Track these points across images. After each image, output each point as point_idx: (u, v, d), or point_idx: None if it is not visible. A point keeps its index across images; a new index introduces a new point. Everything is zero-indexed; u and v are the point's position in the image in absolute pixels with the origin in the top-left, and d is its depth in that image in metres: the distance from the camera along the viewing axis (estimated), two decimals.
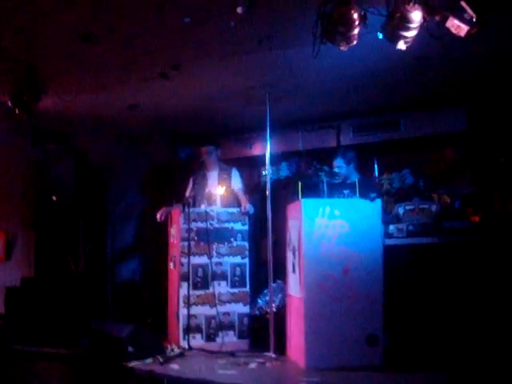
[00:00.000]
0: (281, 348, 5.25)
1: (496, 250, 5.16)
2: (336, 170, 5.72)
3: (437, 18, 3.82)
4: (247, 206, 5.81)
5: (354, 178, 5.69)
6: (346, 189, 5.60)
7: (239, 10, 4.03)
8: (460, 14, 3.75)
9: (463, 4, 3.72)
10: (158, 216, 5.98)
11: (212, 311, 5.60)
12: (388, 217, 5.76)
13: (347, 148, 6.21)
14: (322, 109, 6.75)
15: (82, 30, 4.45)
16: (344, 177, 5.71)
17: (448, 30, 3.80)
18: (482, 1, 3.72)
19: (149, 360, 5.00)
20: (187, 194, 5.91)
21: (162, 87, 5.79)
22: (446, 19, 3.77)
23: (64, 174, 6.80)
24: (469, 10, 3.73)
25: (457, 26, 3.77)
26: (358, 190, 5.40)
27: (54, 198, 6.66)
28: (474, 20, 3.75)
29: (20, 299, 6.11)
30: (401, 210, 5.87)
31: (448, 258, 5.28)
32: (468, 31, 3.78)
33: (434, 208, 5.86)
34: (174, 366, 4.86)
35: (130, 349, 5.02)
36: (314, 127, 7.18)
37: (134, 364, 4.87)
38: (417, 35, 3.92)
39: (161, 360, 4.98)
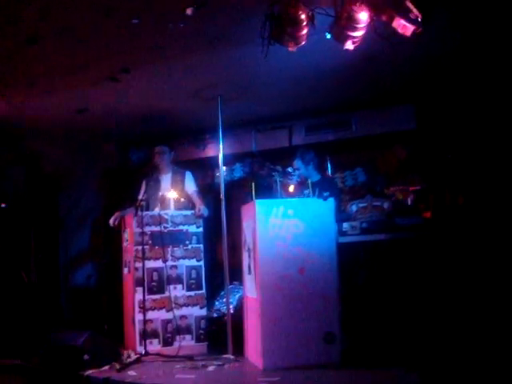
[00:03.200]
0: (239, 350, 5.25)
1: (446, 245, 5.27)
2: (295, 171, 5.74)
3: (383, 18, 3.88)
4: (201, 209, 5.78)
5: (315, 177, 5.72)
6: (306, 189, 5.64)
7: (189, 11, 4.01)
8: (406, 14, 3.82)
9: (408, 4, 3.80)
10: (111, 221, 5.91)
11: (168, 315, 5.56)
12: (342, 215, 5.81)
13: (305, 148, 6.23)
14: (274, 109, 6.78)
15: (28, 32, 4.34)
16: (304, 177, 5.72)
17: (394, 29, 3.86)
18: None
19: (106, 367, 4.93)
20: (140, 197, 5.85)
21: (111, 90, 5.72)
22: (392, 19, 3.83)
23: (14, 179, 6.64)
24: (414, 10, 3.80)
25: (403, 26, 3.84)
26: (310, 188, 5.43)
27: (3, 204, 6.50)
28: (420, 19, 3.83)
29: None
30: (354, 208, 5.93)
31: (401, 254, 5.37)
32: (414, 30, 3.86)
33: (386, 205, 5.94)
34: (131, 373, 4.80)
35: (86, 357, 4.95)
36: (267, 128, 7.20)
37: (90, 372, 4.80)
38: (364, 35, 3.98)
39: (117, 367, 4.92)
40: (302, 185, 5.72)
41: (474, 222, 5.45)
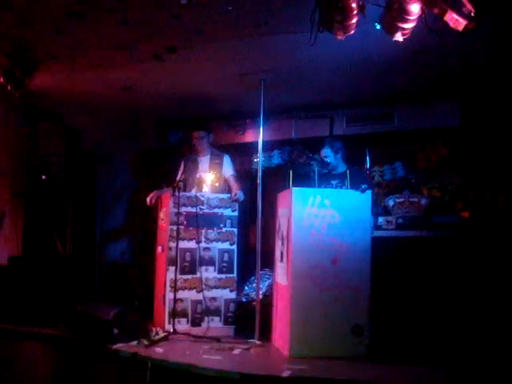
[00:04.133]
0: (266, 335, 5.27)
1: (483, 245, 5.20)
2: (324, 159, 5.69)
3: (435, 11, 3.80)
4: (238, 193, 5.79)
5: (342, 168, 5.67)
6: (334, 179, 5.60)
7: None
8: (459, 8, 3.73)
9: None
10: (148, 200, 5.96)
11: (198, 296, 5.60)
12: (378, 208, 5.77)
13: (335, 138, 6.19)
14: (317, 98, 6.74)
15: (75, 7, 4.39)
16: (332, 167, 5.68)
17: (446, 23, 3.79)
18: None
19: (134, 342, 5.00)
20: (178, 177, 5.89)
21: (156, 69, 5.75)
22: (444, 13, 3.76)
23: (55, 152, 6.74)
24: (468, 5, 3.72)
25: (455, 20, 3.76)
26: (348, 180, 5.40)
27: (44, 176, 6.61)
28: (473, 15, 3.75)
29: (7, 278, 6.08)
30: (391, 203, 5.89)
31: (436, 251, 5.31)
32: (466, 26, 3.77)
33: (423, 201, 5.89)
34: (159, 350, 4.86)
35: (116, 331, 5.02)
36: (308, 116, 7.16)
37: (118, 346, 4.87)
38: (414, 28, 3.91)
39: (145, 343, 4.98)
40: (329, 175, 5.68)
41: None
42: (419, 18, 3.84)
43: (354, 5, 3.80)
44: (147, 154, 8.10)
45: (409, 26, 3.86)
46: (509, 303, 4.85)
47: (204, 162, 6.13)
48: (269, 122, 6.26)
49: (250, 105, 6.08)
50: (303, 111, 7.16)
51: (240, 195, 5.80)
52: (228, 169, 6.12)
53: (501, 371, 4.08)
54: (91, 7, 4.38)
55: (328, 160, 5.64)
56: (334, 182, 5.58)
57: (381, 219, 5.56)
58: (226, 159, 6.16)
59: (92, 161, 7.62)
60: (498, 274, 5.03)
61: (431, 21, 3.87)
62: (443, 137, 6.62)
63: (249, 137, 7.39)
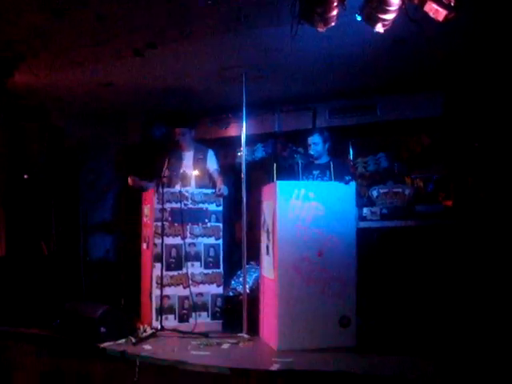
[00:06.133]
0: (254, 329, 5.27)
1: (466, 234, 5.24)
2: (312, 146, 5.69)
3: (415, 2, 3.81)
4: (222, 188, 5.78)
5: (325, 159, 5.69)
6: (316, 169, 5.61)
7: None
8: None
9: None
10: (130, 180, 5.85)
11: (185, 292, 5.59)
12: (362, 200, 5.79)
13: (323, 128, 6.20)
14: (299, 90, 6.74)
15: (55, 5, 4.35)
16: (316, 157, 5.68)
17: (426, 13, 3.80)
18: None
19: (121, 340, 4.98)
20: (162, 173, 5.84)
21: (136, 65, 5.72)
22: (424, 3, 3.77)
23: (37, 151, 6.68)
24: None
25: (435, 10, 3.77)
26: (332, 172, 5.41)
27: (26, 176, 6.55)
28: (452, 4, 3.76)
29: None
30: (375, 193, 5.91)
31: (420, 241, 5.35)
32: (446, 16, 3.79)
33: (407, 192, 5.92)
34: (147, 347, 4.84)
35: (103, 329, 5.00)
36: (290, 109, 7.16)
37: (106, 344, 4.85)
38: (395, 18, 3.92)
39: (133, 340, 4.97)
40: (310, 166, 5.69)
41: (495, 212, 5.40)
42: (399, 9, 3.84)
43: None
44: (131, 150, 8.05)
45: (389, 16, 3.87)
46: (493, 292, 4.90)
47: (188, 157, 6.10)
48: (252, 116, 6.23)
49: (232, 99, 6.06)
50: (286, 104, 7.16)
51: (224, 190, 5.78)
52: (212, 164, 6.10)
53: (487, 361, 4.11)
54: (68, 3, 4.34)
55: (317, 147, 5.65)
56: (315, 173, 5.60)
57: (365, 210, 5.58)
58: (210, 154, 6.14)
59: (76, 158, 7.56)
60: (482, 262, 5.07)
61: (411, 11, 3.88)
62: (426, 127, 6.66)
63: (232, 131, 7.38)
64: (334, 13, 3.87)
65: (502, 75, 5.79)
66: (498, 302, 4.86)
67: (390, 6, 3.79)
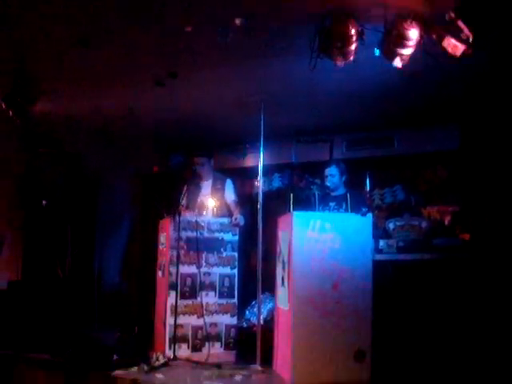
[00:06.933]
0: (267, 361, 5.21)
1: (484, 268, 5.18)
2: (328, 178, 5.69)
3: (433, 37, 3.85)
4: (238, 217, 5.79)
5: (342, 190, 5.69)
6: (332, 201, 5.61)
7: (237, 21, 4.04)
8: (457, 34, 3.77)
9: (460, 24, 3.74)
10: None
11: (199, 321, 5.56)
12: (378, 232, 5.76)
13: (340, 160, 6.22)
14: (317, 122, 6.77)
15: (79, 35, 4.43)
16: (332, 189, 5.68)
17: (444, 48, 3.83)
18: (479, 22, 3.74)
19: (134, 368, 4.96)
20: (180, 201, 5.86)
21: (157, 94, 5.78)
22: (442, 38, 3.80)
23: (55, 178, 6.77)
24: (466, 30, 3.75)
25: (453, 46, 3.80)
26: (349, 204, 5.40)
27: (44, 202, 6.62)
28: (470, 40, 3.78)
29: (6, 303, 6.05)
30: (391, 226, 5.88)
31: (437, 274, 5.29)
32: (464, 51, 3.81)
33: (423, 224, 5.89)
34: (159, 376, 4.82)
35: (115, 357, 4.99)
36: (308, 140, 7.17)
37: (118, 372, 4.83)
38: (413, 53, 3.95)
39: (146, 369, 4.94)
40: (327, 197, 5.68)
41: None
42: (418, 44, 3.88)
43: (353, 31, 3.85)
44: (148, 178, 8.11)
45: (407, 51, 3.90)
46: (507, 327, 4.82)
47: (206, 186, 6.13)
48: (269, 146, 6.25)
49: (250, 129, 6.09)
50: (303, 135, 7.18)
51: (240, 219, 5.79)
52: (230, 193, 6.12)
53: None
54: (95, 32, 4.42)
55: (333, 179, 5.65)
56: (331, 204, 5.59)
57: (382, 243, 5.54)
58: (228, 184, 6.17)
59: (92, 185, 7.63)
60: (499, 296, 5.00)
61: (429, 46, 3.91)
62: (443, 160, 6.64)
63: (250, 161, 7.41)
64: (353, 47, 3.92)
65: None
66: None
67: (408, 40, 3.83)
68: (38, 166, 6.84)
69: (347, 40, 3.84)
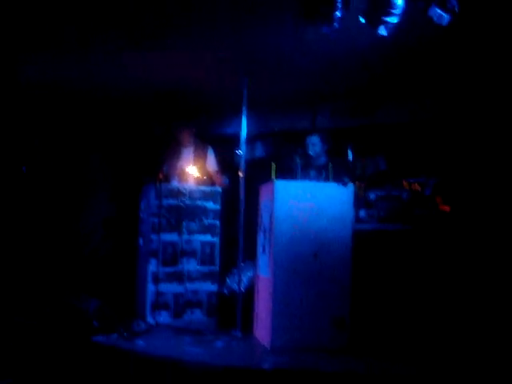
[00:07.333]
0: (248, 327, 5.26)
1: (462, 238, 5.24)
2: (310, 146, 5.70)
3: (420, 6, 3.82)
4: (222, 179, 5.80)
5: (323, 160, 5.69)
6: (313, 170, 5.62)
7: None
8: (443, 3, 3.76)
9: None
10: None
11: (180, 288, 5.58)
12: (360, 202, 5.78)
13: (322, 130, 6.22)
14: (300, 90, 6.72)
15: None
16: (314, 158, 5.69)
17: (430, 18, 3.81)
18: None
19: (114, 335, 4.97)
20: (163, 169, 5.82)
21: (132, 63, 5.69)
22: (428, 7, 3.78)
23: (31, 144, 6.68)
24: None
25: (439, 15, 3.78)
26: (331, 173, 5.40)
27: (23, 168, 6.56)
28: (456, 10, 3.77)
29: None
30: (372, 196, 5.90)
31: (416, 244, 5.34)
32: (449, 20, 3.80)
33: (404, 195, 5.91)
34: (140, 342, 4.85)
35: (95, 323, 4.99)
36: (291, 109, 7.16)
37: (98, 338, 4.84)
38: (398, 23, 3.92)
39: (126, 335, 4.96)
40: (308, 166, 5.69)
41: (491, 216, 5.41)
42: (403, 13, 3.85)
43: None
44: (131, 146, 8.04)
45: (393, 20, 3.87)
46: (487, 296, 4.90)
47: (187, 153, 6.10)
48: (252, 114, 6.21)
49: (233, 97, 6.03)
50: (287, 104, 7.15)
51: (225, 180, 5.80)
52: (212, 163, 6.11)
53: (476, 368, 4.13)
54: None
55: (315, 148, 5.65)
56: (312, 174, 5.60)
57: (363, 212, 5.57)
58: (210, 153, 6.15)
59: (75, 153, 7.56)
60: (476, 266, 5.08)
61: (416, 16, 3.89)
62: (425, 130, 6.66)
63: (232, 129, 7.36)
64: (338, 14, 3.87)
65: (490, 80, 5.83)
66: (495, 305, 4.86)
67: (393, 8, 3.79)
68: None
69: (332, 6, 3.80)
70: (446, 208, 5.90)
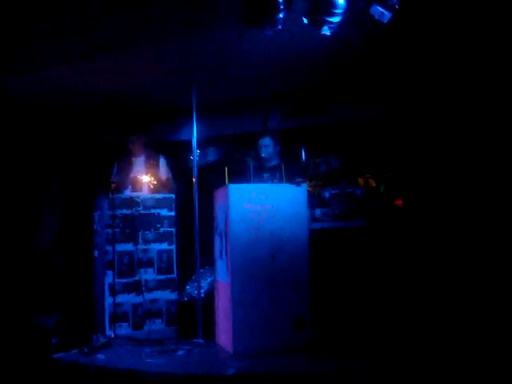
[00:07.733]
0: (209, 334, 5.23)
1: (416, 232, 5.31)
2: (262, 148, 5.72)
3: (361, 5, 3.86)
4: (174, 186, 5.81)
5: (276, 161, 5.71)
6: (266, 172, 5.63)
7: None
8: (384, 1, 3.80)
9: None
10: None
11: (139, 299, 5.51)
12: (314, 201, 5.81)
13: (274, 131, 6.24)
14: (250, 93, 6.73)
15: None
16: (267, 160, 5.70)
17: (371, 16, 3.85)
18: None
19: (74, 351, 4.88)
20: (112, 179, 5.76)
21: (84, 70, 5.60)
22: (369, 5, 3.82)
23: None
24: None
25: (380, 13, 3.82)
26: (283, 174, 5.42)
27: None
28: (397, 7, 3.82)
29: None
30: (327, 195, 5.94)
31: (371, 240, 5.39)
32: (390, 18, 3.85)
33: (358, 192, 5.96)
34: (100, 356, 4.77)
35: (54, 340, 4.89)
36: (242, 112, 7.15)
37: (58, 356, 4.75)
38: (341, 21, 3.96)
39: (86, 350, 4.87)
40: (261, 169, 5.70)
41: (443, 211, 5.50)
42: (345, 12, 3.88)
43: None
44: (81, 157, 7.90)
45: (335, 19, 3.90)
46: (443, 290, 4.98)
47: (139, 162, 6.04)
48: (203, 119, 6.19)
49: (183, 102, 6.00)
50: (237, 107, 7.14)
51: (173, 186, 5.79)
52: (164, 172, 6.06)
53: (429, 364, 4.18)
54: None
55: (268, 150, 5.67)
56: (265, 176, 5.61)
57: (318, 211, 5.60)
58: (162, 161, 6.11)
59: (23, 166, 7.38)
60: (427, 259, 5.16)
61: (357, 15, 3.93)
62: (376, 127, 6.74)
63: (184, 134, 7.32)
64: (281, 15, 3.89)
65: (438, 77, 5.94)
66: (450, 301, 4.94)
67: (335, 8, 3.83)
68: None
69: (275, 8, 3.81)
70: (400, 202, 5.98)
